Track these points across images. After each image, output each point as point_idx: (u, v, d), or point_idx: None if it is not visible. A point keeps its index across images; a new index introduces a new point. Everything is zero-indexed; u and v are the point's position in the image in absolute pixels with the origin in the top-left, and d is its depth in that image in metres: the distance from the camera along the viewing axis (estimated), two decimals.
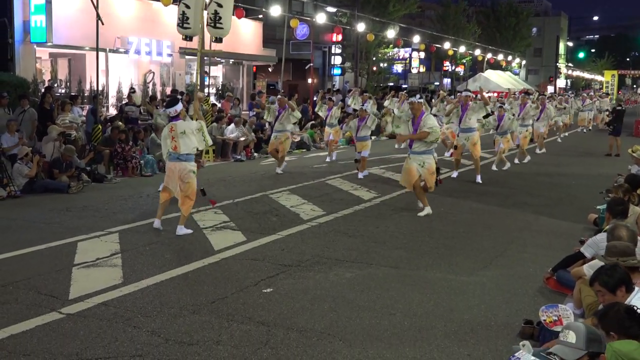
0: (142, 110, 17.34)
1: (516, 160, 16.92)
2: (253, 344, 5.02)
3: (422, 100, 10.06)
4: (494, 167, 15.53)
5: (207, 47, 14.03)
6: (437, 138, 10.03)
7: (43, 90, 15.82)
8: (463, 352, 4.99)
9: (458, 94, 15.82)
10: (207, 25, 8.95)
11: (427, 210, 10.14)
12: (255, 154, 18.18)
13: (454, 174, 14.14)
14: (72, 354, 4.81)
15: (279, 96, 15.37)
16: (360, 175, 13.94)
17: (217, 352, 4.87)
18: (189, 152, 8.57)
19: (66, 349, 4.90)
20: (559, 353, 3.24)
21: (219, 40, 10.02)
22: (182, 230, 8.57)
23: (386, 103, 19.02)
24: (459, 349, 5.04)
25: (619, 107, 22.07)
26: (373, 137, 23.52)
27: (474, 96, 14.62)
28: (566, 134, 26.40)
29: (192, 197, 8.65)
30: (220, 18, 9.10)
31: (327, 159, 17.08)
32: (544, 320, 5.07)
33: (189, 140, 8.53)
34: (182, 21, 9.28)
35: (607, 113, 31.33)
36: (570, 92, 41.78)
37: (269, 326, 5.41)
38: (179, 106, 8.76)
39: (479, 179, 13.54)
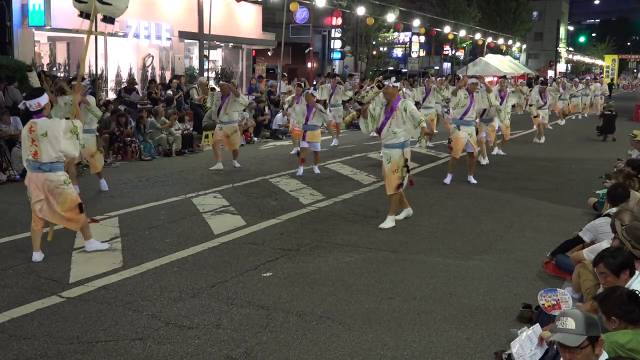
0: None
1: (500, 151, 15.61)
2: (253, 328, 5.05)
3: (397, 84, 8.59)
4: (483, 162, 13.84)
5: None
6: (421, 123, 8.33)
7: (38, 73, 15.74)
8: (462, 335, 5.02)
9: (465, 78, 13.46)
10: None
11: (406, 212, 8.81)
12: (255, 139, 18.16)
13: (447, 179, 11.64)
14: (73, 337, 4.83)
15: (221, 82, 13.39)
16: (316, 170, 12.40)
17: (217, 336, 4.89)
18: (52, 160, 6.60)
19: (66, 332, 4.92)
20: (561, 340, 3.25)
21: (109, 20, 8.19)
22: (92, 244, 7.00)
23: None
24: (458, 333, 5.06)
25: (609, 112, 20.46)
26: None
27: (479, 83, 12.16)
28: (563, 121, 25.89)
29: (75, 213, 6.82)
30: None
31: (293, 151, 14.83)
32: (543, 304, 5.09)
33: (51, 146, 6.56)
34: None
35: (601, 97, 30.83)
36: (564, 77, 41.23)
37: (268, 310, 5.43)
38: (44, 99, 6.69)
39: (471, 179, 11.78)
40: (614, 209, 6.22)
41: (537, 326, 4.35)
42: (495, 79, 33.80)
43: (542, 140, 18.63)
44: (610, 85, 43.99)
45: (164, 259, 6.80)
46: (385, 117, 8.40)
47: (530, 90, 20.01)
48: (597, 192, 9.65)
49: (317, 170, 12.46)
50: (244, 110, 18.26)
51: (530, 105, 19.15)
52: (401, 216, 8.71)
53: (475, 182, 11.66)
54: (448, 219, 8.96)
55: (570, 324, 3.24)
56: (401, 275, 6.44)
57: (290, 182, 11.42)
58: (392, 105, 8.36)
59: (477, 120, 13.73)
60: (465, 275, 6.48)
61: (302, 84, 15.77)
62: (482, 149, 13.90)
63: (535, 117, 18.93)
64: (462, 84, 12.21)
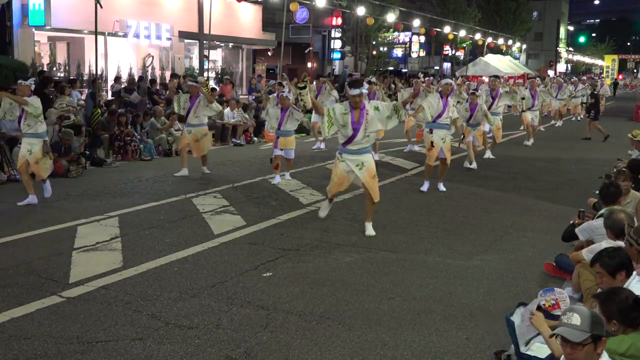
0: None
1: (490, 155, 14.95)
2: (253, 328, 5.05)
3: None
4: (466, 165, 13.32)
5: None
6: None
7: (39, 74, 15.75)
8: (462, 335, 5.02)
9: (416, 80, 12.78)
10: None
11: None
12: (255, 139, 18.17)
13: (424, 187, 10.80)
14: (73, 337, 4.83)
15: (189, 83, 12.32)
16: (287, 176, 11.65)
17: (216, 336, 4.89)
18: None
19: (66, 332, 4.92)
20: (564, 334, 3.27)
21: None
22: None
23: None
24: (458, 333, 5.06)
25: (596, 92, 22.98)
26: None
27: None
28: (560, 122, 25.60)
29: None
30: None
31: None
32: (543, 304, 5.08)
33: None
34: None
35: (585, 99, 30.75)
36: (562, 77, 40.96)
37: (268, 310, 5.43)
38: None
39: (441, 186, 10.84)
40: (605, 209, 6.22)
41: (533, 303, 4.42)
42: (487, 79, 33.61)
43: (531, 142, 17.95)
44: (614, 85, 44.18)
45: (164, 259, 6.80)
46: (357, 122, 7.74)
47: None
48: (597, 192, 9.64)
49: (287, 177, 11.64)
50: (245, 111, 18.35)
51: (523, 99, 18.19)
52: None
53: (444, 189, 10.78)
54: (448, 219, 8.97)
55: (576, 319, 3.25)
56: (401, 275, 6.44)
57: (290, 182, 11.42)
58: (362, 110, 7.72)
59: (464, 124, 13.54)
60: (465, 275, 6.48)
61: (283, 84, 14.81)
62: (470, 153, 13.31)
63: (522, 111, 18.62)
64: (428, 90, 11.65)
